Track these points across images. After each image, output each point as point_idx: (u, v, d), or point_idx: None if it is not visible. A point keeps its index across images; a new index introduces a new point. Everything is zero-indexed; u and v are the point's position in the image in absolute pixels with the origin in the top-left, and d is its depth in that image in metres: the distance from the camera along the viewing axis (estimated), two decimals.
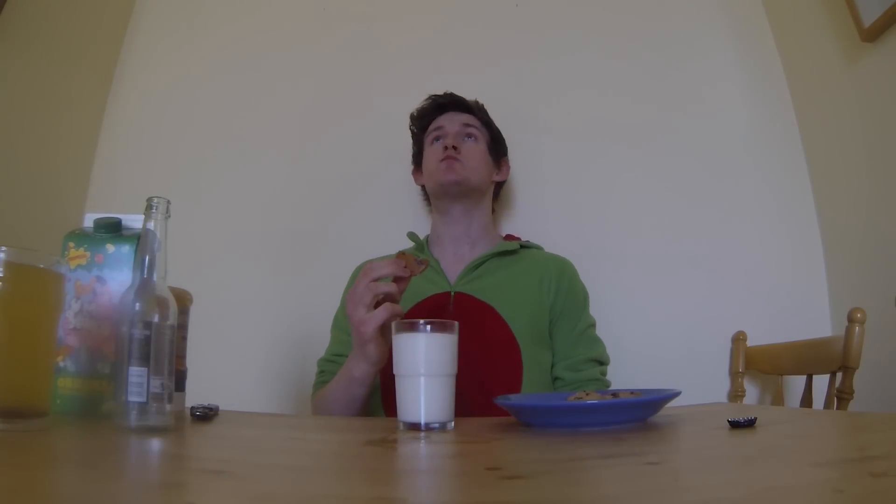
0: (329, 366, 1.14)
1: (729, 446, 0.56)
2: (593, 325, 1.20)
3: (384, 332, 0.86)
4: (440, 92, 1.33)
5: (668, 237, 1.51)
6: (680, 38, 1.62)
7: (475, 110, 1.31)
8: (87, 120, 1.62)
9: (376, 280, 0.86)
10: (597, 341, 1.19)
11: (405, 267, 0.87)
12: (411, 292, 1.11)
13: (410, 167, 1.39)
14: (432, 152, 1.27)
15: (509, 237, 1.33)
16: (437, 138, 1.28)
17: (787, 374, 1.37)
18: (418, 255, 0.89)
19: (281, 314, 1.52)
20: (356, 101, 1.63)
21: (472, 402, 0.93)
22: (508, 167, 1.37)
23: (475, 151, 1.26)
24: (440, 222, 1.29)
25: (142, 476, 0.45)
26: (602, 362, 1.16)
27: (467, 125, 1.28)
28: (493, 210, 1.36)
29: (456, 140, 1.25)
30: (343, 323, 1.18)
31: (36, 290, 0.61)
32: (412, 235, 1.31)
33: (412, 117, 1.35)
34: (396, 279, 0.88)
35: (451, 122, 1.28)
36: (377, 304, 0.86)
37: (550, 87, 1.61)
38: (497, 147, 1.34)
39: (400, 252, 0.91)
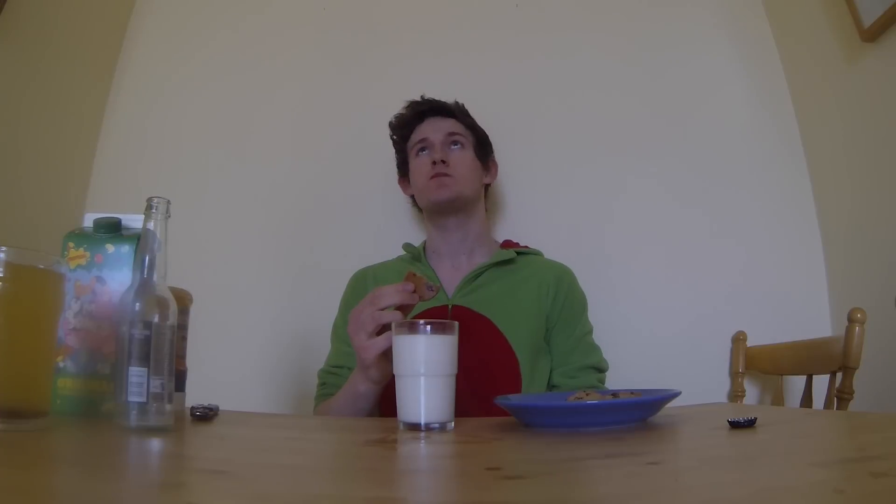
0: (330, 378, 1.13)
1: (729, 446, 0.56)
2: (591, 332, 1.20)
3: (386, 354, 0.84)
4: (425, 96, 1.29)
5: (668, 237, 1.51)
6: (680, 39, 1.62)
7: (457, 114, 1.27)
8: (87, 120, 1.62)
9: (383, 308, 0.83)
10: (594, 348, 1.18)
11: (414, 292, 0.83)
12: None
13: None
14: (419, 165, 1.23)
15: (507, 243, 1.31)
16: (422, 149, 1.24)
17: (787, 374, 1.37)
18: (430, 282, 0.84)
19: (281, 314, 1.52)
20: (357, 103, 1.63)
21: (470, 415, 0.93)
22: (496, 166, 1.35)
23: (464, 160, 1.23)
24: (436, 235, 1.26)
25: (142, 476, 0.45)
26: (600, 369, 1.15)
27: (452, 133, 1.24)
28: (486, 209, 1.34)
29: (443, 152, 1.21)
30: (342, 333, 1.16)
31: (36, 290, 0.61)
32: (408, 246, 1.29)
33: (391, 126, 1.31)
34: (402, 306, 0.85)
35: (434, 131, 1.24)
36: (382, 330, 0.84)
37: (549, 89, 1.61)
38: (484, 149, 1.30)
39: (411, 272, 0.86)
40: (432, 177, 1.19)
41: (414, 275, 0.85)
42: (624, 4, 1.64)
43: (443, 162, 1.19)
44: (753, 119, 1.57)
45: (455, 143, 1.24)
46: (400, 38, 1.66)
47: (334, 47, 1.67)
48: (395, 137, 1.32)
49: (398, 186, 1.37)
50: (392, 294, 0.84)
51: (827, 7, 1.41)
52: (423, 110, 1.27)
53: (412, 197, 1.33)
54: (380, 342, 0.83)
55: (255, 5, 1.72)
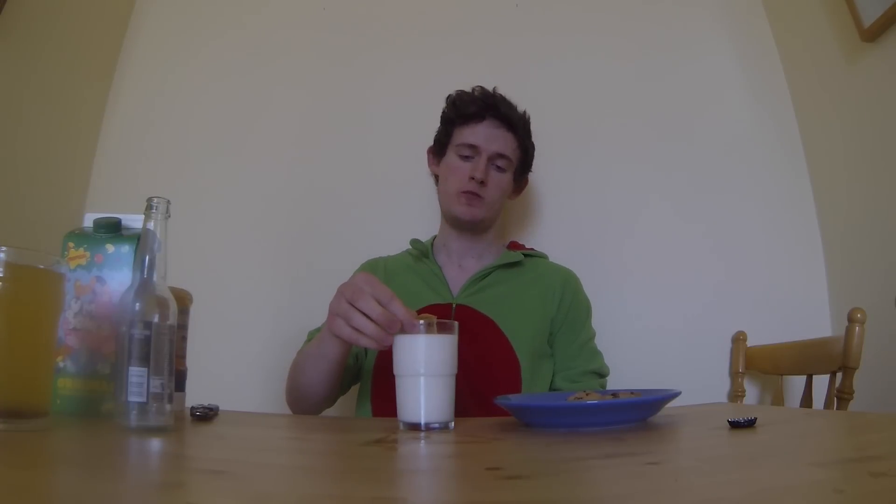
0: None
1: (729, 446, 0.56)
2: (593, 338, 1.20)
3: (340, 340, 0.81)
4: (497, 89, 1.21)
5: (668, 238, 1.51)
6: (680, 39, 1.62)
7: (519, 129, 1.20)
8: (87, 120, 1.62)
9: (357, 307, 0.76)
10: (596, 353, 1.18)
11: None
12: (411, 299, 1.10)
13: (411, 169, 1.37)
14: (457, 169, 1.18)
15: (513, 245, 1.30)
16: (467, 156, 1.18)
17: (787, 374, 1.37)
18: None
19: (281, 314, 1.52)
20: (357, 102, 1.63)
21: (470, 415, 0.93)
22: (528, 182, 1.32)
23: (500, 185, 1.19)
24: (448, 232, 1.25)
25: (142, 476, 0.45)
26: (601, 374, 1.16)
27: (501, 155, 1.18)
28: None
29: (486, 171, 1.16)
30: None
31: (36, 290, 0.61)
32: (415, 242, 1.28)
33: (450, 101, 1.23)
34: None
35: (487, 142, 1.17)
36: None
37: (548, 90, 1.60)
38: (524, 170, 1.27)
39: (428, 317, 0.75)
40: (465, 191, 1.16)
41: (430, 325, 0.75)
42: (623, 5, 1.64)
43: (482, 183, 1.16)
44: (753, 119, 1.57)
45: (499, 165, 1.19)
46: (400, 38, 1.66)
47: (334, 47, 1.67)
48: (448, 113, 1.23)
49: (400, 186, 1.36)
50: (375, 309, 0.74)
51: (827, 7, 1.41)
52: (489, 105, 1.18)
53: (436, 176, 1.29)
54: (346, 333, 0.77)
55: (255, 5, 1.72)
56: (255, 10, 1.72)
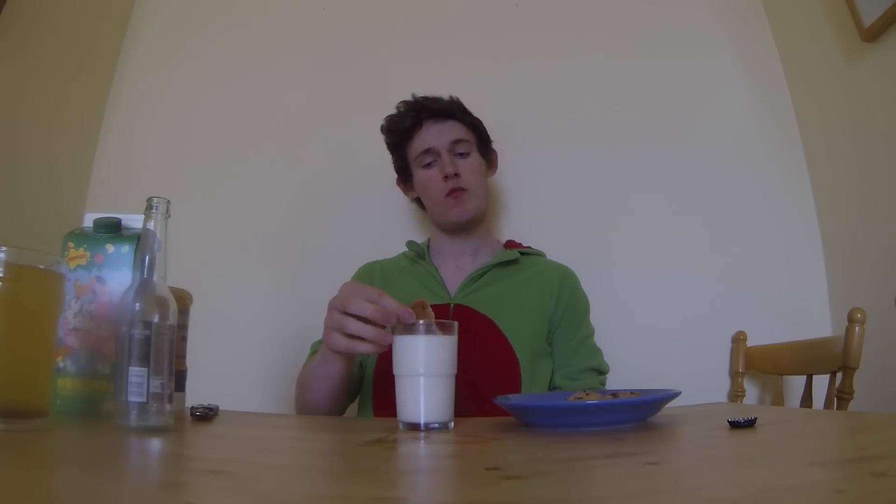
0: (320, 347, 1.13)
1: (729, 446, 0.56)
2: (592, 335, 1.20)
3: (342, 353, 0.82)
4: (416, 94, 1.23)
5: (668, 238, 1.51)
6: (680, 39, 1.62)
7: (456, 113, 1.22)
8: (87, 120, 1.62)
9: (352, 315, 0.76)
10: (595, 351, 1.18)
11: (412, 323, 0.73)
12: (409, 301, 1.10)
13: None
14: (430, 179, 1.19)
15: (510, 244, 1.31)
16: (430, 163, 1.20)
17: (787, 374, 1.37)
18: (430, 321, 0.73)
19: (281, 314, 1.52)
20: (356, 103, 1.63)
21: (470, 415, 0.93)
22: (497, 155, 1.32)
23: (473, 167, 1.20)
24: (442, 237, 1.25)
25: (142, 476, 0.45)
26: (601, 371, 1.15)
27: (457, 140, 1.19)
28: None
29: (453, 164, 1.17)
30: None
31: (36, 291, 0.61)
32: (412, 244, 1.28)
33: (384, 129, 1.26)
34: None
35: (438, 138, 1.19)
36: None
37: (548, 90, 1.61)
38: (486, 144, 1.27)
39: (422, 302, 0.76)
40: (448, 194, 1.17)
41: (424, 308, 0.76)
42: (624, 5, 1.64)
43: (456, 175, 1.16)
44: (753, 119, 1.57)
45: (463, 153, 1.20)
46: (400, 38, 1.66)
47: (335, 47, 1.67)
48: (389, 141, 1.27)
49: (398, 187, 1.36)
50: (368, 308, 0.75)
51: (827, 7, 1.41)
52: (419, 111, 1.21)
53: (416, 199, 1.31)
54: (339, 342, 0.78)
55: (255, 6, 1.72)
56: (255, 10, 1.72)
